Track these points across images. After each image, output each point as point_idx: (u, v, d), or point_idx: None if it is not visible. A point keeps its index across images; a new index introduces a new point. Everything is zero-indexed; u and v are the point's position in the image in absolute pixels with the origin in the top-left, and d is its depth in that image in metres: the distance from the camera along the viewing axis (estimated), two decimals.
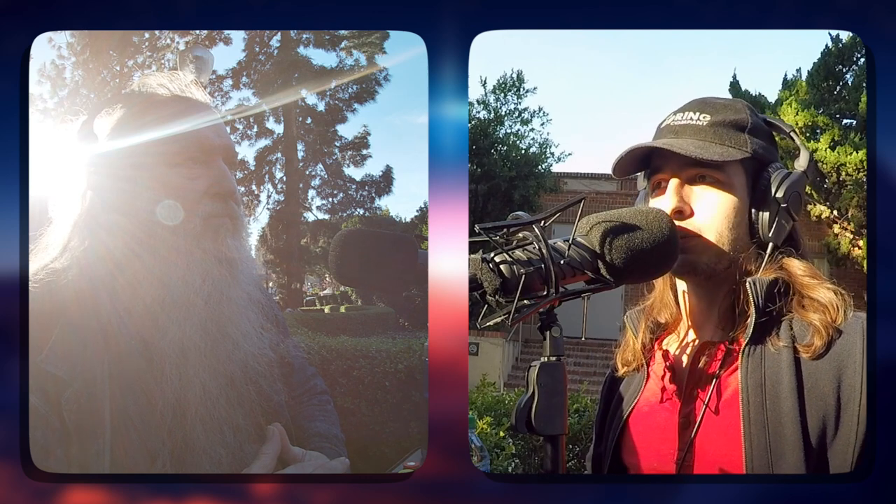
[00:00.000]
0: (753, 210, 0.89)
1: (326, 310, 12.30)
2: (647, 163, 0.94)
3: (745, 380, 0.83)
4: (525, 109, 11.54)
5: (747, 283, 0.85)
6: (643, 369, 0.97)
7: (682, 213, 0.88)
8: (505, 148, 11.08)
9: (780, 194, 0.88)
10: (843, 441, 0.78)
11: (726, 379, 0.86)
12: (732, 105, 0.92)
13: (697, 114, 0.91)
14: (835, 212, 8.50)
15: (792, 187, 0.88)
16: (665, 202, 0.89)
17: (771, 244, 0.88)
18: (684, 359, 0.92)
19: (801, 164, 0.92)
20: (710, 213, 0.88)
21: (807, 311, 0.83)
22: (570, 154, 19.65)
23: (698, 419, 0.86)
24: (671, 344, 0.97)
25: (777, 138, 0.96)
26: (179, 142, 0.88)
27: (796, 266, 0.87)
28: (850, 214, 8.38)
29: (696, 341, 0.92)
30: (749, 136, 0.90)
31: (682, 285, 0.95)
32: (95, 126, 0.88)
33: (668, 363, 0.93)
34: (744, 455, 0.80)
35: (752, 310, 0.84)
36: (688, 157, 0.86)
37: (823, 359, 0.80)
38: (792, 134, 0.94)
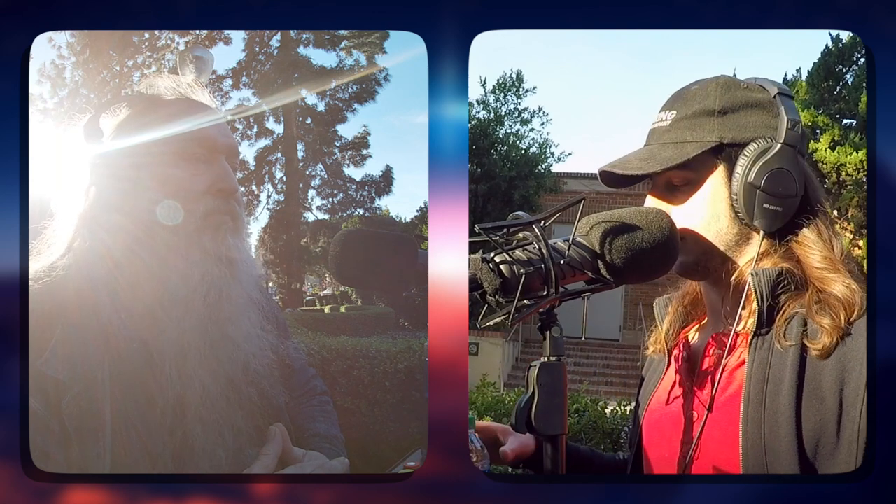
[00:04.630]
0: (735, 197, 0.85)
1: (326, 310, 12.29)
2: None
3: (749, 374, 0.80)
4: (525, 109, 11.57)
5: (749, 276, 0.82)
6: (666, 357, 0.96)
7: None
8: (505, 148, 11.10)
9: (751, 178, 0.83)
10: (846, 450, 0.74)
11: (733, 373, 0.83)
12: (704, 89, 0.88)
13: (666, 112, 0.89)
14: (835, 212, 8.51)
15: (766, 166, 0.83)
16: None
17: (763, 232, 0.84)
18: (698, 350, 0.91)
19: (777, 136, 0.84)
20: (683, 216, 0.87)
21: (819, 308, 0.79)
22: (570, 154, 19.70)
23: (704, 415, 0.83)
24: (693, 334, 0.96)
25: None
26: (183, 139, 0.88)
27: (813, 257, 0.83)
28: (850, 214, 8.38)
29: (710, 333, 0.91)
30: (721, 118, 0.86)
31: None
32: (101, 124, 0.89)
33: (685, 353, 0.92)
34: (740, 455, 0.79)
35: (755, 302, 0.82)
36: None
37: (829, 359, 0.76)
38: (776, 97, 0.87)
